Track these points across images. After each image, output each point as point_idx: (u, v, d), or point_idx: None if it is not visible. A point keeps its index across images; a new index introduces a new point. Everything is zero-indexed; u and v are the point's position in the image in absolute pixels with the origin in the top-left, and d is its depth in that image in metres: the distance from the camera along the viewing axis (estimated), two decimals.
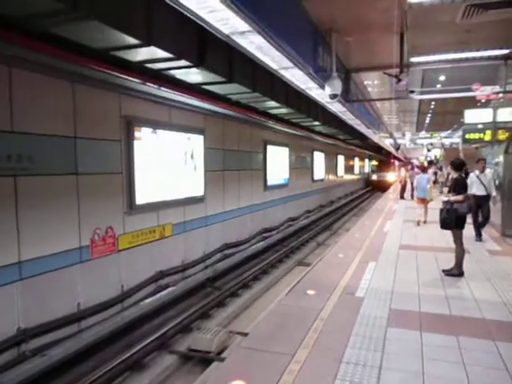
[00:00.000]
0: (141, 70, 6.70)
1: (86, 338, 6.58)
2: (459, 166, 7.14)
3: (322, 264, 7.95)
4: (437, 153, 52.01)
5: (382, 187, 38.25)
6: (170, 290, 8.91)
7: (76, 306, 6.97)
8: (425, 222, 12.84)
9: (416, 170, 21.81)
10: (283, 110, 11.86)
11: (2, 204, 5.79)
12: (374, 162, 46.10)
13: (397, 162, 46.74)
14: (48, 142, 6.45)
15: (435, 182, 19.40)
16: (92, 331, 6.77)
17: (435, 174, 21.44)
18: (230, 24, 4.54)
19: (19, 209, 6.00)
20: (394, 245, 9.51)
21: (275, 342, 4.43)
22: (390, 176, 40.99)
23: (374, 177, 43.72)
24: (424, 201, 12.92)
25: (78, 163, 6.98)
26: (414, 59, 10.26)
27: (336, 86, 8.28)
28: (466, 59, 10.34)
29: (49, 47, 5.17)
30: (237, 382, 3.60)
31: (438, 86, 28.88)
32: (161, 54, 5.87)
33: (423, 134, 56.28)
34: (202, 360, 6.23)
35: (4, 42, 4.83)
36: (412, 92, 12.30)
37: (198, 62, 6.56)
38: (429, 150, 55.13)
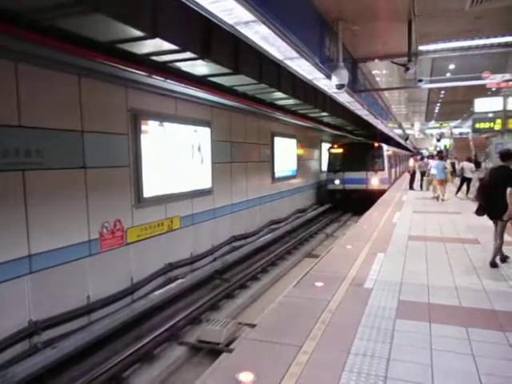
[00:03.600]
0: (147, 63, 6.68)
1: (96, 330, 6.65)
2: (506, 156, 6.86)
3: (331, 255, 7.93)
4: (446, 143, 51.47)
5: (355, 203, 19.81)
6: (178, 282, 8.96)
7: (86, 298, 7.04)
8: (443, 199, 15.82)
9: (425, 160, 22.46)
10: (290, 101, 11.79)
11: (11, 198, 5.84)
12: (337, 149, 21.59)
13: (389, 150, 23.38)
14: (56, 136, 6.48)
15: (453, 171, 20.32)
16: (102, 323, 6.83)
17: (453, 164, 21.42)
18: (234, 14, 4.49)
19: (28, 203, 6.04)
20: (403, 236, 9.45)
21: (283, 334, 4.44)
22: (379, 179, 20.43)
23: (333, 184, 20.94)
24: (443, 182, 16.03)
25: (85, 157, 7.01)
26: (422, 47, 10.12)
27: (343, 75, 8.19)
28: (476, 47, 10.17)
29: (55, 41, 5.16)
30: (245, 373, 3.61)
31: (448, 74, 28.45)
32: (166, 46, 5.84)
33: (432, 123, 54.95)
34: (211, 351, 6.28)
35: (10, 37, 4.83)
36: (421, 81, 12.12)
37: (203, 54, 6.53)
38: (438, 140, 54.57)
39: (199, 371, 5.49)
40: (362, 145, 22.13)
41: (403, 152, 41.22)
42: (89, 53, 5.70)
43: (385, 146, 21.22)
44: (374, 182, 20.10)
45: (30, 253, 6.07)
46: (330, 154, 21.39)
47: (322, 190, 22.26)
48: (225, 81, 8.62)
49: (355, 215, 19.16)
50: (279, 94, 10.42)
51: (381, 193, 18.89)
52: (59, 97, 6.59)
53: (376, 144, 20.89)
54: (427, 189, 19.05)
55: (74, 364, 6.12)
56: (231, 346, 5.76)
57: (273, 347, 4.15)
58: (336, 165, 20.88)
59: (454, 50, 10.44)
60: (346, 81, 8.26)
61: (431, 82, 19.88)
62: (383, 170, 20.32)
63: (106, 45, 5.71)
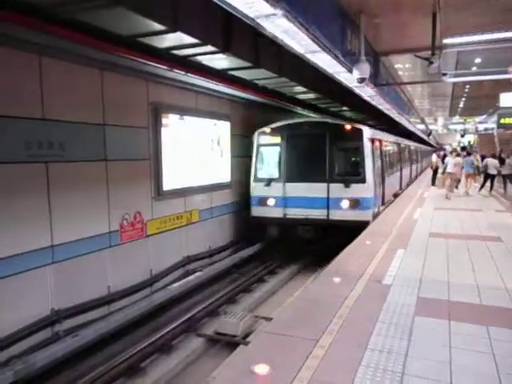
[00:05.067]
0: (167, 57, 6.73)
1: (116, 320, 6.78)
2: None
3: (349, 251, 7.87)
4: (470, 138, 50.30)
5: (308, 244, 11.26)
6: (197, 274, 9.04)
7: (106, 289, 7.17)
8: (467, 193, 16.23)
9: (448, 156, 21.78)
10: (311, 95, 11.72)
11: (35, 189, 5.98)
12: (271, 136, 11.48)
13: (379, 138, 13.23)
14: (78, 129, 6.60)
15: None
16: (122, 313, 6.96)
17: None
18: (255, 7, 4.47)
19: (51, 195, 6.18)
20: (424, 232, 9.30)
21: (300, 328, 4.43)
22: (354, 201, 10.63)
23: (262, 206, 11.33)
24: (471, 175, 16.76)
25: (106, 150, 7.12)
26: (447, 41, 9.87)
27: (364, 69, 8.08)
28: (504, 40, 9.87)
29: (78, 35, 5.24)
30: (261, 365, 3.63)
31: (473, 68, 27.75)
32: (187, 39, 5.87)
33: (456, 119, 53.61)
34: (228, 343, 6.33)
35: (34, 30, 4.92)
36: (445, 75, 11.87)
37: (224, 48, 6.54)
38: (462, 136, 53.38)
39: (216, 363, 5.55)
40: (320, 128, 11.09)
41: (423, 147, 37.50)
42: (111, 47, 5.77)
43: (367, 131, 10.99)
44: (344, 205, 10.47)
45: (52, 243, 6.22)
46: (259, 146, 11.47)
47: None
48: (245, 74, 8.62)
49: (314, 265, 10.69)
50: (300, 88, 10.37)
51: (359, 227, 9.79)
52: (82, 90, 6.70)
53: (349, 126, 10.79)
54: (442, 187, 17.28)
55: (94, 352, 6.26)
56: (248, 339, 5.81)
57: (289, 341, 4.15)
58: (269, 168, 11.40)
59: (479, 43, 10.16)
60: (367, 75, 8.15)
61: (456, 76, 19.36)
62: (363, 180, 10.52)
63: (128, 39, 5.77)
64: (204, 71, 7.75)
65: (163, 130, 8.41)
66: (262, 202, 11.10)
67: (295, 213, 10.82)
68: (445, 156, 24.86)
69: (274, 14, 4.67)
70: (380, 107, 14.93)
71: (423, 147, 37.86)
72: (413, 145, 26.99)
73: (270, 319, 5.12)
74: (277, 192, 10.94)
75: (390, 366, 3.60)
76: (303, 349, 3.93)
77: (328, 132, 10.75)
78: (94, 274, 6.99)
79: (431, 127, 53.16)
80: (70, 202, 6.48)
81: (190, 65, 7.27)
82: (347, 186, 10.45)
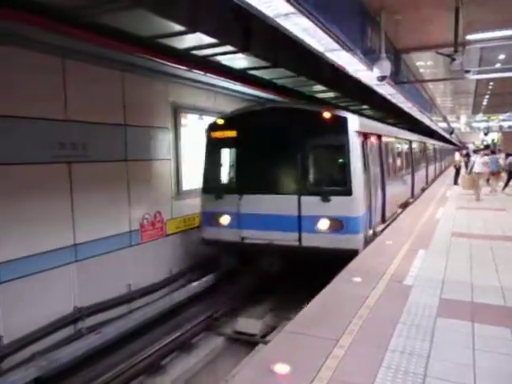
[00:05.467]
0: (187, 57, 6.77)
1: (136, 318, 6.86)
2: None
3: (369, 251, 7.78)
4: (494, 137, 49.12)
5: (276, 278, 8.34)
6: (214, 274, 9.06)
7: (127, 287, 7.27)
8: (491, 190, 16.09)
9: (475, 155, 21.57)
10: (330, 94, 11.65)
11: (58, 189, 6.10)
12: (224, 131, 8.42)
13: (375, 132, 9.59)
14: (100, 129, 6.70)
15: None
16: (142, 312, 7.04)
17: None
18: (274, 6, 4.46)
19: (74, 195, 6.30)
20: (446, 232, 9.13)
21: (319, 327, 4.41)
22: (336, 221, 7.53)
23: (213, 226, 8.36)
24: (497, 173, 16.68)
25: (127, 150, 7.22)
26: (470, 37, 9.67)
27: (385, 67, 7.99)
28: None
29: (100, 37, 5.33)
30: (280, 364, 3.62)
31: (497, 65, 27.11)
32: (206, 39, 5.90)
33: (480, 116, 52.41)
34: (248, 342, 6.34)
35: (55, 34, 5.02)
36: (468, 72, 11.63)
37: (242, 47, 6.54)
38: (485, 134, 52.19)
39: (235, 361, 5.57)
40: (289, 117, 8.16)
41: (444, 145, 35.66)
42: (132, 48, 5.85)
43: (354, 122, 8.02)
44: (322, 226, 7.67)
45: (75, 242, 6.34)
46: (210, 143, 8.67)
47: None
48: (264, 74, 8.61)
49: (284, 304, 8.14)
50: (319, 87, 10.31)
51: (343, 257, 7.05)
52: (104, 91, 6.80)
53: (327, 115, 7.73)
54: (470, 188, 15.69)
55: (116, 350, 6.35)
56: (267, 338, 5.80)
57: (309, 340, 4.13)
58: (223, 174, 8.90)
59: (503, 38, 9.92)
60: (388, 72, 8.05)
61: (479, 72, 18.92)
62: (348, 191, 7.64)
63: (148, 40, 5.83)
64: (223, 71, 7.78)
65: (183, 130, 8.47)
66: (214, 220, 8.18)
67: (255, 236, 7.85)
68: (467, 155, 24.38)
69: (293, 13, 4.65)
70: (401, 105, 14.72)
71: (445, 146, 36.16)
72: (431, 142, 23.91)
73: (290, 318, 5.08)
74: (231, 207, 8.04)
75: (412, 368, 3.55)
76: (323, 348, 3.91)
77: (300, 123, 7.78)
78: (116, 273, 7.09)
79: (454, 125, 52.11)
80: (91, 202, 6.61)
81: (209, 65, 7.31)
82: (326, 199, 7.44)
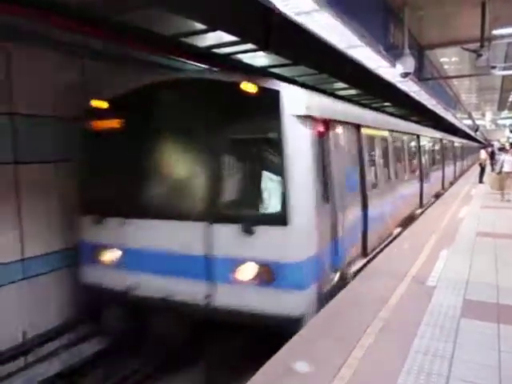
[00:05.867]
0: (209, 56, 6.80)
1: None
2: None
3: (391, 250, 7.69)
4: None
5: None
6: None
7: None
8: None
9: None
10: (352, 92, 11.53)
11: None
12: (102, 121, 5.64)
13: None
14: None
15: None
16: None
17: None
18: (294, 4, 4.43)
19: None
20: (470, 232, 8.95)
21: (340, 327, 4.38)
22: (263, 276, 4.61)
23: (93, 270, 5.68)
24: None
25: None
26: (496, 32, 9.43)
27: (408, 63, 7.86)
28: None
29: (124, 38, 5.40)
30: (300, 363, 3.62)
31: None
32: (227, 37, 5.92)
33: (505, 113, 51.02)
34: None
35: (77, 34, 5.09)
36: (494, 68, 11.33)
37: (263, 45, 6.53)
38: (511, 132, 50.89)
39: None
40: (197, 97, 5.16)
41: (468, 143, 33.79)
42: (152, 48, 5.90)
43: (293, 99, 4.77)
44: (243, 275, 4.71)
45: None
46: (87, 137, 5.82)
47: None
48: (285, 72, 8.57)
49: None
50: (340, 84, 10.23)
51: (276, 328, 4.49)
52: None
53: (248, 87, 4.63)
54: (499, 188, 14.76)
55: None
56: None
57: (330, 339, 4.11)
58: (102, 187, 5.61)
59: None
60: (411, 69, 7.92)
61: (505, 68, 18.41)
62: (282, 218, 4.58)
63: (171, 39, 5.87)
64: (244, 70, 7.78)
65: None
66: (95, 255, 5.61)
67: (146, 286, 5.14)
68: (493, 153, 23.81)
69: (315, 10, 4.62)
70: (424, 102, 14.47)
71: (468, 143, 34.15)
72: (449, 139, 20.60)
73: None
74: (113, 237, 5.43)
75: (435, 370, 3.50)
76: (343, 348, 3.89)
77: (211, 104, 5.05)
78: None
79: (479, 122, 50.96)
80: None
81: (230, 63, 7.32)
82: (249, 230, 4.62)
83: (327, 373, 3.46)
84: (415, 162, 12.02)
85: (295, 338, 4.19)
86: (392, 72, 8.35)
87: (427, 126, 19.12)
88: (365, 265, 6.64)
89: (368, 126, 7.46)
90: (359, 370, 3.50)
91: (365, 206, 6.93)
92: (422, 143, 12.93)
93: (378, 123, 8.53)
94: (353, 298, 5.29)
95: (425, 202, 12.95)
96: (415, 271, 6.25)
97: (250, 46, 6.36)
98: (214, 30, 5.50)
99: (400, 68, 7.85)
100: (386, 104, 14.65)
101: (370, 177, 7.40)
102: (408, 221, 10.44)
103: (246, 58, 7.31)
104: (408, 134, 11.35)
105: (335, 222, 5.58)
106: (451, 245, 7.83)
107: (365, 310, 4.81)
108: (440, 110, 17.38)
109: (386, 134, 8.93)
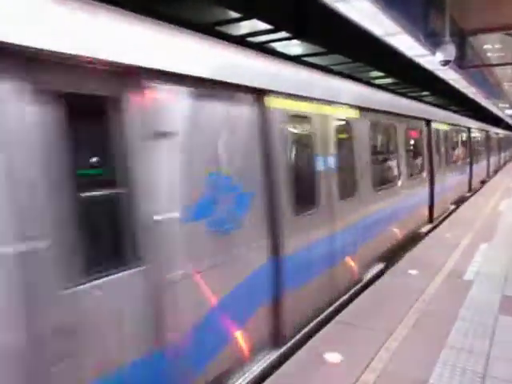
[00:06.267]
0: (243, 45, 6.78)
1: None
2: None
3: (427, 242, 7.52)
4: None
5: None
6: None
7: None
8: None
9: None
10: (388, 80, 11.25)
11: None
12: None
13: None
14: None
15: None
16: None
17: None
18: None
19: None
20: (510, 225, 8.62)
21: (373, 319, 4.34)
22: None
23: None
24: None
25: None
26: None
27: (449, 51, 7.58)
28: None
29: None
30: (332, 353, 3.61)
31: None
32: (261, 26, 5.88)
33: None
34: None
35: None
36: None
37: (297, 33, 6.45)
38: None
39: None
40: None
41: (508, 134, 31.99)
42: None
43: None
44: None
45: None
46: None
47: None
48: (319, 60, 8.45)
49: None
50: (376, 73, 9.99)
51: None
52: None
53: None
54: None
55: None
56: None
57: (361, 331, 4.08)
58: None
59: None
60: (452, 57, 7.65)
61: None
62: None
63: (207, 27, 5.88)
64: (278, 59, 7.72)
65: None
66: None
67: None
68: None
69: None
70: (464, 91, 13.95)
71: (507, 134, 32.26)
72: (479, 127, 17.93)
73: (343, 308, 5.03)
74: None
75: (470, 367, 3.42)
76: (375, 340, 3.86)
77: None
78: None
79: None
80: None
81: (264, 52, 7.27)
82: None
83: (359, 363, 3.44)
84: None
85: (327, 327, 4.18)
86: (431, 60, 8.09)
87: (467, 115, 18.56)
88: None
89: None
90: (391, 362, 3.47)
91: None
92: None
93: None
94: (388, 289, 5.22)
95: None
96: (452, 264, 6.10)
97: (284, 34, 6.29)
98: (249, 18, 5.48)
99: (440, 56, 7.59)
100: (425, 93, 14.21)
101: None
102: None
103: (280, 47, 7.24)
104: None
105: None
106: (490, 238, 7.57)
107: (400, 302, 4.74)
108: (481, 99, 16.71)
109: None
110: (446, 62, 7.71)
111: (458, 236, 7.75)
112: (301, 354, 3.68)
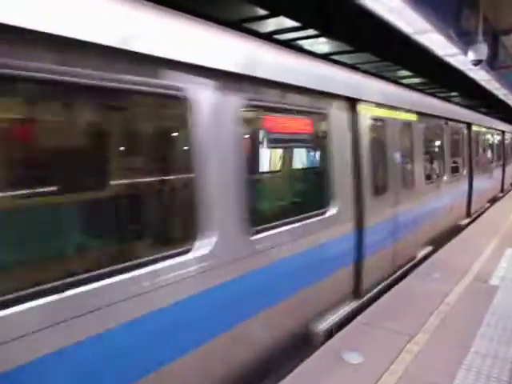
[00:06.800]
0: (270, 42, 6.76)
1: None
2: None
3: (451, 246, 7.36)
4: None
5: None
6: None
7: None
8: None
9: None
10: (416, 80, 11.03)
11: None
12: None
13: None
14: None
15: None
16: None
17: None
18: None
19: None
20: None
21: (394, 321, 4.27)
22: None
23: None
24: None
25: None
26: None
27: (481, 50, 7.38)
28: None
29: None
30: (351, 353, 3.58)
31: None
32: (288, 23, 5.85)
33: None
34: None
35: None
36: None
37: (324, 31, 6.39)
38: None
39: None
40: None
41: None
42: None
43: None
44: None
45: None
46: None
47: None
48: (346, 59, 8.35)
49: None
50: (404, 72, 9.82)
51: None
52: None
53: None
54: None
55: None
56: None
57: (381, 332, 4.03)
58: None
59: None
60: (484, 56, 7.44)
61: None
62: None
63: (234, 24, 5.89)
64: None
65: None
66: None
67: None
68: None
69: None
70: (495, 92, 13.56)
71: None
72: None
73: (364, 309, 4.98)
74: None
75: (495, 373, 3.33)
76: (396, 342, 3.80)
77: None
78: None
79: None
80: None
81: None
82: None
83: (378, 365, 3.40)
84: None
85: (348, 327, 4.15)
86: (462, 59, 7.89)
87: (498, 118, 17.98)
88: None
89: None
90: (412, 365, 3.41)
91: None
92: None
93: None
94: (411, 291, 5.14)
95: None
96: (477, 269, 5.95)
97: (311, 31, 6.24)
98: (276, 15, 5.46)
99: (472, 55, 7.39)
100: (453, 94, 13.88)
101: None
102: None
103: (307, 45, 7.19)
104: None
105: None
106: None
107: (423, 305, 4.66)
108: None
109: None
110: (477, 62, 7.51)
111: (484, 241, 7.56)
112: (320, 353, 3.66)
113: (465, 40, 7.39)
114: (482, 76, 10.32)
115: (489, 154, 13.12)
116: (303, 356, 3.59)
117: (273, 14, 5.46)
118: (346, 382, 3.22)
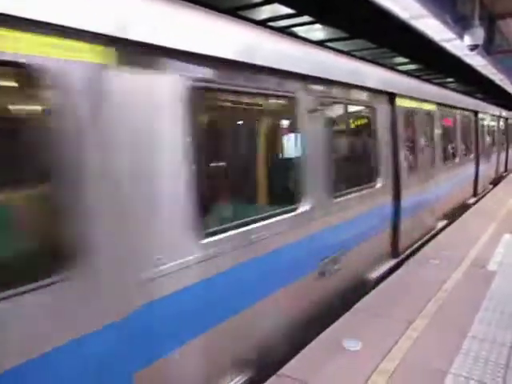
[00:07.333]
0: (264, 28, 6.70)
1: None
2: None
3: (449, 233, 7.39)
4: None
5: None
6: None
7: None
8: None
9: None
10: (411, 66, 10.99)
11: None
12: None
13: None
14: None
15: None
16: None
17: None
18: None
19: None
20: None
21: (393, 308, 4.30)
22: None
23: None
24: None
25: None
26: None
27: (477, 35, 7.33)
28: None
29: None
30: (351, 341, 3.60)
31: None
32: (283, 10, 5.80)
33: None
34: None
35: None
36: None
37: (320, 18, 6.33)
38: None
39: None
40: None
41: None
42: None
43: None
44: None
45: None
46: None
47: None
48: (342, 46, 8.28)
49: None
50: (400, 59, 9.77)
51: None
52: None
53: None
54: None
55: None
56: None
57: (380, 319, 4.05)
58: None
59: None
60: (480, 41, 7.39)
61: None
62: None
63: (228, 12, 5.83)
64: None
65: None
66: None
67: None
68: None
69: None
70: (492, 77, 13.51)
71: None
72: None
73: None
74: None
75: (493, 357, 3.35)
76: (395, 329, 3.82)
77: None
78: None
79: None
80: None
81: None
82: None
83: (377, 352, 3.42)
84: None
85: (347, 315, 4.16)
86: (458, 44, 7.84)
87: (494, 103, 18.05)
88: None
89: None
90: (410, 351, 3.43)
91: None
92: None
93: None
94: (409, 278, 5.16)
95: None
96: (475, 255, 5.98)
97: (306, 18, 6.18)
98: (271, 2, 5.40)
99: (468, 40, 7.34)
100: (449, 80, 13.84)
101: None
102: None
103: (302, 32, 7.12)
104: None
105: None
106: None
107: (421, 292, 4.68)
108: (509, 85, 16.19)
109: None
110: (474, 47, 7.46)
111: (482, 226, 7.60)
112: (319, 340, 3.68)
113: (461, 25, 7.34)
114: (478, 61, 10.28)
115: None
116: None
117: (267, 1, 5.40)
118: (346, 369, 3.24)
